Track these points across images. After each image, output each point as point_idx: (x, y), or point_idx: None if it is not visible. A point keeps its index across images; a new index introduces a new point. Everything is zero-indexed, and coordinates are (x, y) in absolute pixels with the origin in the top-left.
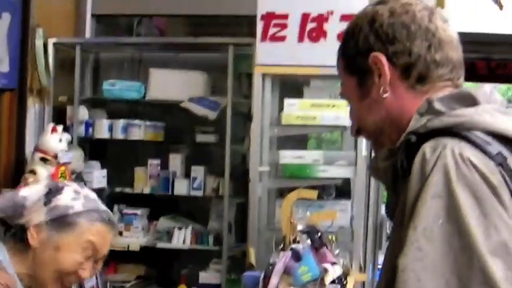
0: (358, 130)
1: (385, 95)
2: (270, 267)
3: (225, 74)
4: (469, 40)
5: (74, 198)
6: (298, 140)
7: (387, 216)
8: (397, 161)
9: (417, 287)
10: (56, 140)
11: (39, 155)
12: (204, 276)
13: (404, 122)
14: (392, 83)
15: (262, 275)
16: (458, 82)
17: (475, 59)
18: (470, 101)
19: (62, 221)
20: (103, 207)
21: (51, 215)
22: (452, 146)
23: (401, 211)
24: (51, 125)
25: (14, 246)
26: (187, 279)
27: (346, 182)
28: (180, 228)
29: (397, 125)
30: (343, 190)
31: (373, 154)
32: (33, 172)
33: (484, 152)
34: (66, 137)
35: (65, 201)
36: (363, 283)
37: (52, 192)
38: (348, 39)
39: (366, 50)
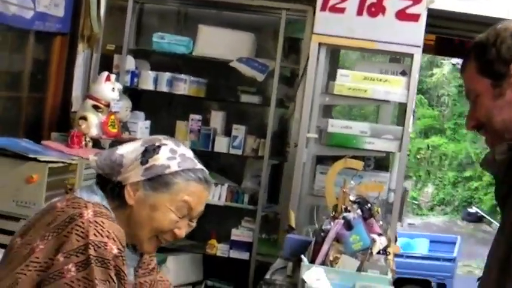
0: (476, 126)
1: None
2: (322, 234)
3: (271, 37)
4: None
5: (170, 157)
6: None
7: (498, 204)
8: None
9: None
10: (110, 89)
11: (91, 102)
12: (236, 234)
13: None
14: None
15: (313, 240)
16: None
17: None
18: None
19: (158, 181)
20: (199, 165)
21: (147, 174)
22: None
23: None
24: (105, 73)
25: (111, 202)
26: (219, 235)
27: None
28: (216, 185)
29: None
30: (380, 163)
31: (411, 129)
32: (84, 118)
33: None
34: (119, 86)
35: (162, 160)
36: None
37: (149, 151)
38: (487, 46)
39: (507, 58)
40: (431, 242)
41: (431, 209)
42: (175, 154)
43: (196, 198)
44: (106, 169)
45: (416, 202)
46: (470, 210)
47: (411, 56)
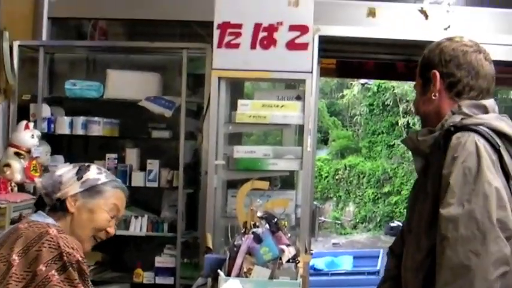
0: (415, 112)
1: (434, 98)
2: (235, 249)
3: (175, 75)
4: (391, 44)
5: (98, 172)
6: (244, 135)
7: (418, 175)
8: (436, 138)
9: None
10: (29, 136)
11: (13, 149)
12: (159, 261)
13: (441, 116)
14: (440, 91)
15: (227, 256)
16: (482, 100)
17: (396, 60)
18: (484, 109)
19: (93, 190)
20: (117, 179)
21: (84, 186)
22: (473, 137)
23: (436, 170)
24: (24, 122)
25: (54, 216)
26: (144, 264)
27: (291, 174)
28: (136, 217)
29: (438, 116)
30: (287, 182)
31: (310, 148)
32: (8, 165)
33: (489, 142)
34: (37, 133)
35: (93, 175)
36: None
37: (82, 169)
38: (427, 56)
39: (431, 66)
40: (355, 258)
41: (355, 227)
42: (101, 170)
43: (121, 201)
44: (49, 188)
45: (339, 222)
46: (392, 224)
47: (303, 81)
